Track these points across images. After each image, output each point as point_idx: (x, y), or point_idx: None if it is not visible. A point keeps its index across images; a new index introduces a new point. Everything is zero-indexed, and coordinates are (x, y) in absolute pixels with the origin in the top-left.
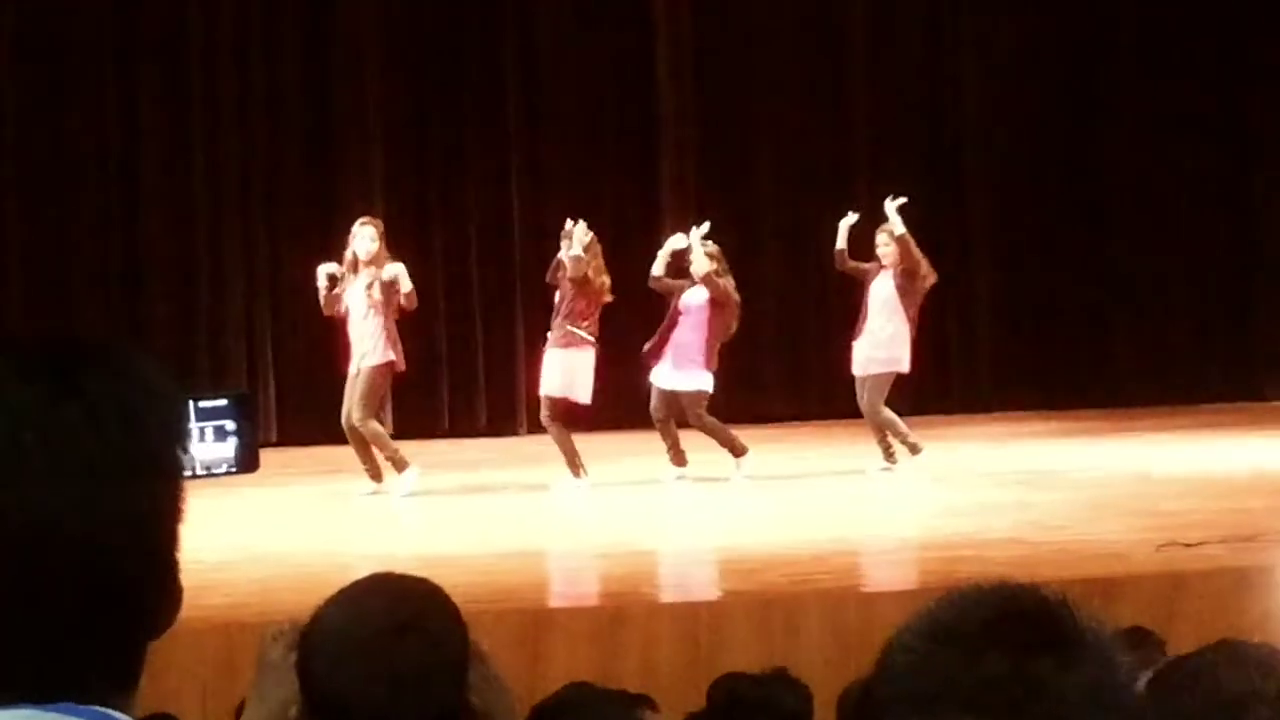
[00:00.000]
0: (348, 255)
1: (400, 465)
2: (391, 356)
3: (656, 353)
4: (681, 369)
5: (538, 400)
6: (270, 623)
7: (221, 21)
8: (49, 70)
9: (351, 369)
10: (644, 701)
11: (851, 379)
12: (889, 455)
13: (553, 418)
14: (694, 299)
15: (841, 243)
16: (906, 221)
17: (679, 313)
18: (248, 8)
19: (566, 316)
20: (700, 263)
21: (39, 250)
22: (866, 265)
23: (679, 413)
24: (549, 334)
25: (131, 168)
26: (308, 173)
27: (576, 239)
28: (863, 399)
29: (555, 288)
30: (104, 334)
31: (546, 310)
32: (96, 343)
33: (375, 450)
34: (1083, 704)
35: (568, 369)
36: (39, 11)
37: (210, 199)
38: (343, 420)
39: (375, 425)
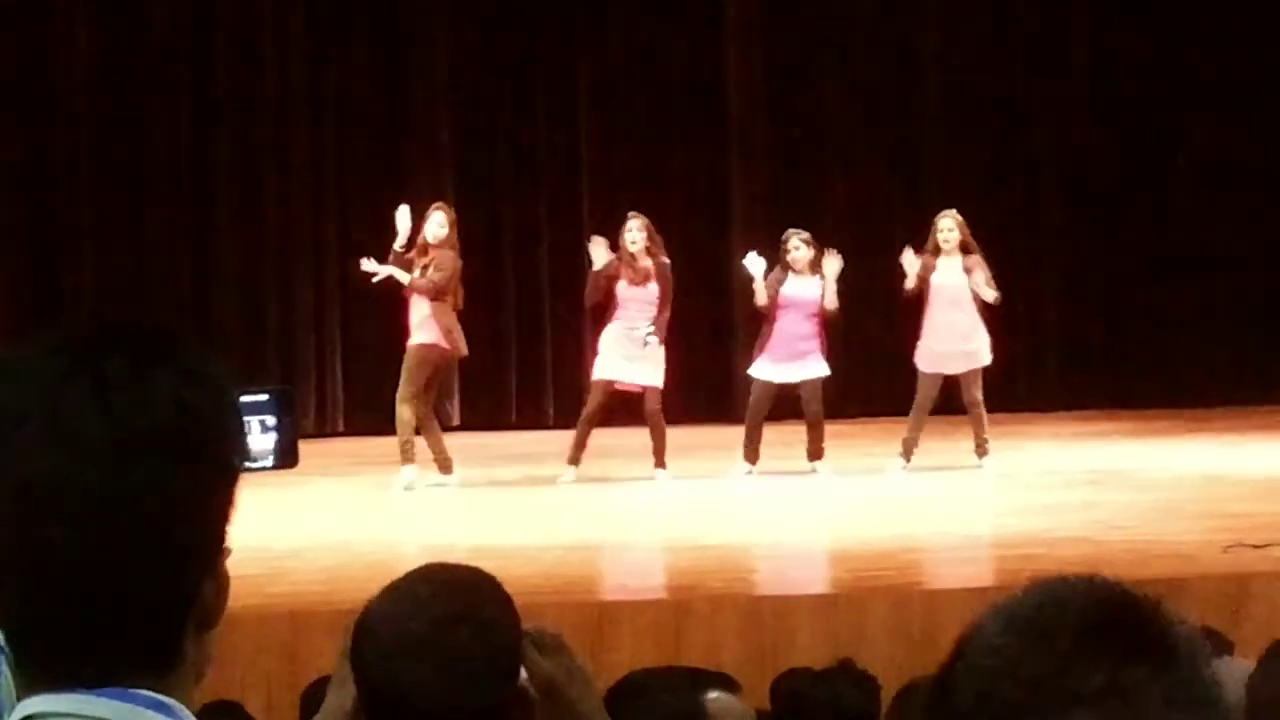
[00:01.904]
0: (419, 239)
1: (407, 458)
2: (433, 339)
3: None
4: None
5: (642, 394)
6: (354, 614)
7: (294, 14)
8: (123, 62)
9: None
10: (718, 680)
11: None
12: (980, 450)
13: (660, 408)
14: (799, 291)
15: (911, 281)
16: (974, 219)
17: (780, 308)
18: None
19: (661, 313)
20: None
21: (110, 240)
22: (925, 270)
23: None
24: (647, 333)
25: (202, 159)
26: (378, 166)
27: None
28: (966, 393)
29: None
30: (173, 324)
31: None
32: (142, 328)
33: (408, 438)
34: (1172, 716)
35: (658, 361)
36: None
37: (280, 190)
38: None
39: (405, 410)
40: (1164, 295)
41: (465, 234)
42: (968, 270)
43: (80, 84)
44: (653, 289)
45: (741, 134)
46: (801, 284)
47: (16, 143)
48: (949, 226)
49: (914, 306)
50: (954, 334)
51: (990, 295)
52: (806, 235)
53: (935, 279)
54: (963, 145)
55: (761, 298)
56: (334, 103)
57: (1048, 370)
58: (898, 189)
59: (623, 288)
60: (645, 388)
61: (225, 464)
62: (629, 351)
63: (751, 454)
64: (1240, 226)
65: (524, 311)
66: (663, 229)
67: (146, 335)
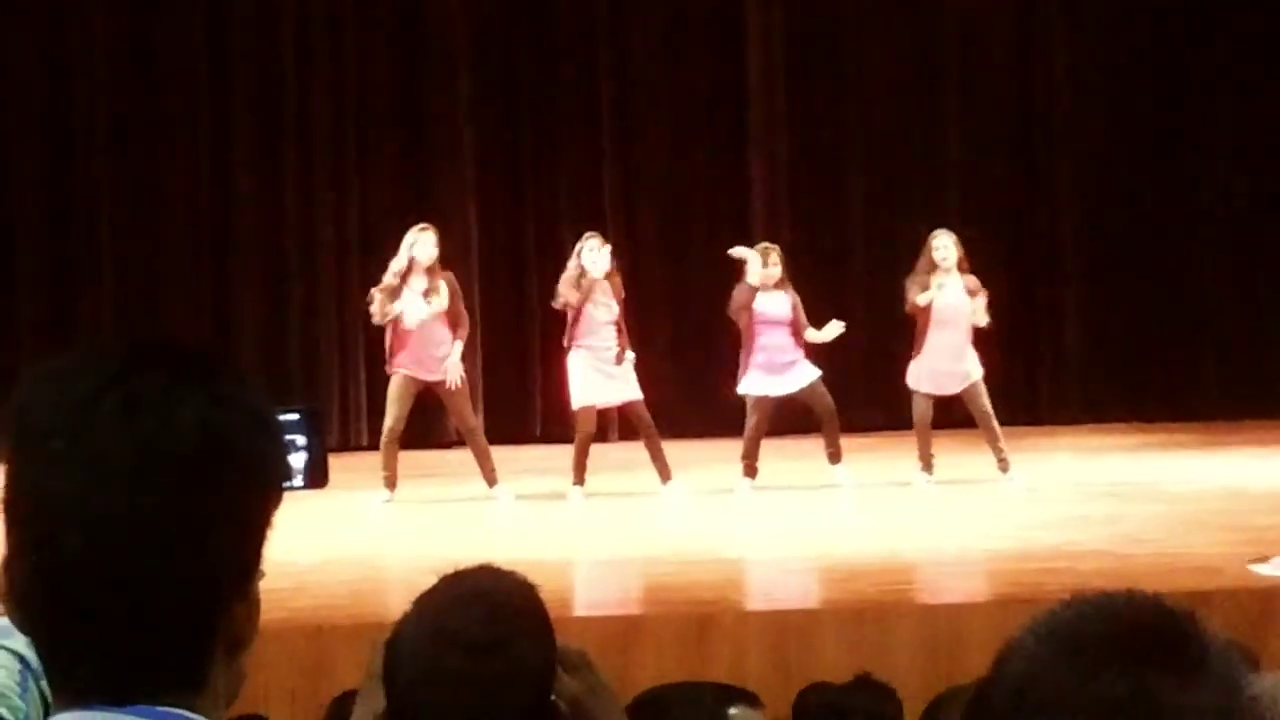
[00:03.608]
0: (404, 260)
1: (496, 478)
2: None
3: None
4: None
5: (628, 409)
6: (382, 628)
7: (314, 24)
8: (142, 73)
9: (426, 376)
10: (740, 696)
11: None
12: (1003, 464)
13: (650, 417)
14: (770, 308)
15: (925, 299)
16: (995, 233)
17: (757, 323)
18: (340, 7)
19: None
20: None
21: (130, 257)
22: (923, 285)
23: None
24: (620, 348)
25: (224, 172)
26: (400, 178)
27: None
28: (973, 407)
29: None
30: (197, 338)
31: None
32: (177, 348)
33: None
34: None
35: (632, 375)
36: (132, 13)
37: (302, 202)
38: (422, 427)
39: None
40: (1185, 309)
41: (488, 249)
42: (971, 293)
43: (100, 99)
44: (615, 308)
45: (762, 145)
46: (771, 300)
47: (37, 157)
48: (946, 245)
49: (909, 325)
50: (947, 354)
51: (984, 320)
52: (781, 252)
53: (936, 301)
54: (984, 158)
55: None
56: (355, 117)
57: (1070, 383)
58: (918, 201)
59: (589, 311)
60: (629, 403)
61: (256, 488)
62: (601, 372)
63: (752, 469)
64: (1261, 243)
65: (547, 326)
66: (683, 241)
67: (180, 356)
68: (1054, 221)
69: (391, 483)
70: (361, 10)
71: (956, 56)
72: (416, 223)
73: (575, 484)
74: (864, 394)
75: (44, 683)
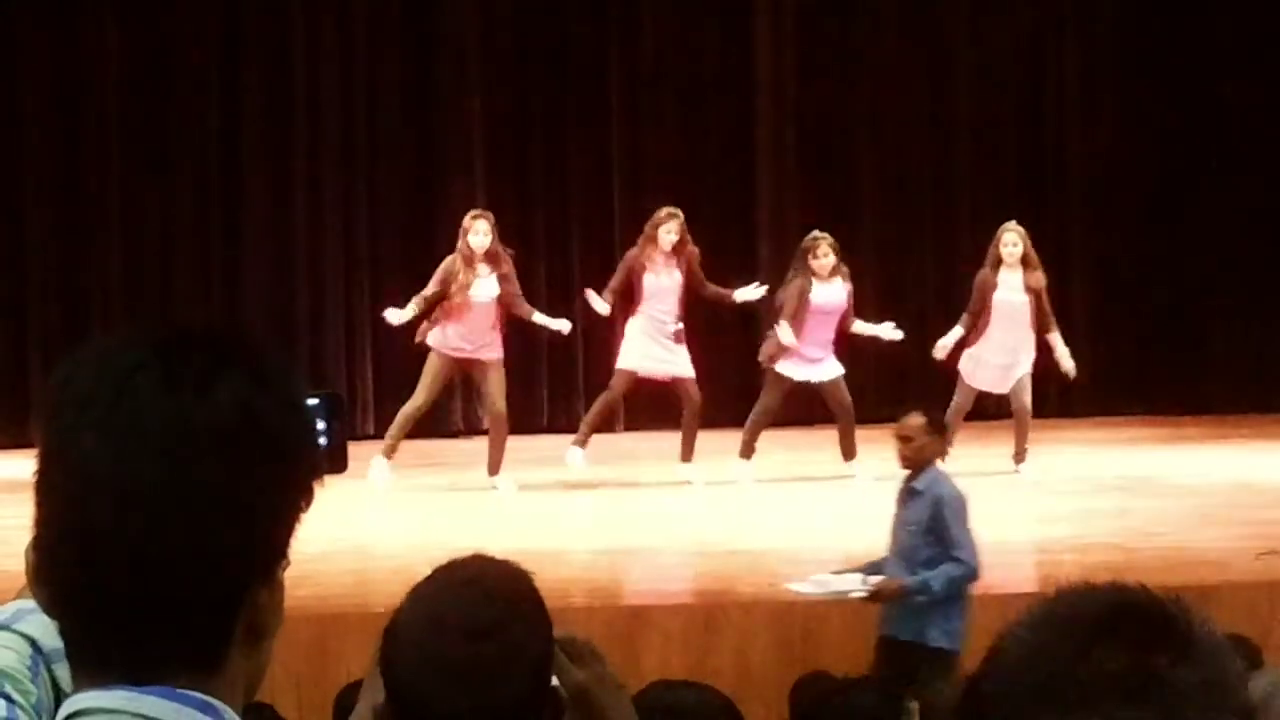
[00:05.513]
0: (464, 249)
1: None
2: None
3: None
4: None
5: (636, 396)
6: (384, 617)
7: (325, 15)
8: (154, 64)
9: (471, 354)
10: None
11: (952, 381)
12: (1018, 456)
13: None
14: (826, 298)
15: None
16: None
17: (810, 314)
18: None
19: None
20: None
21: (139, 245)
22: (983, 284)
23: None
24: (677, 329)
25: (233, 162)
26: (408, 168)
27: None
28: (1015, 399)
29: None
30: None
31: None
32: (221, 332)
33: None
34: (1196, 701)
35: (686, 354)
36: (144, 12)
37: (309, 193)
38: (466, 410)
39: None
40: (1194, 302)
41: (496, 236)
42: (1031, 290)
43: (110, 84)
44: (678, 277)
45: (770, 135)
46: (825, 290)
47: (47, 144)
48: (1013, 240)
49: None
50: (1004, 350)
51: (1069, 365)
52: (833, 241)
53: (996, 295)
54: (993, 149)
55: (790, 338)
56: (364, 101)
57: (1078, 376)
58: (926, 193)
59: (650, 280)
60: (678, 379)
61: (288, 474)
62: (658, 343)
63: (749, 450)
64: (1269, 237)
65: (555, 314)
66: (690, 230)
67: (223, 338)
68: (1061, 214)
69: (391, 451)
70: (372, 3)
71: (966, 47)
72: (423, 213)
73: (576, 444)
74: (871, 385)
75: (55, 666)
